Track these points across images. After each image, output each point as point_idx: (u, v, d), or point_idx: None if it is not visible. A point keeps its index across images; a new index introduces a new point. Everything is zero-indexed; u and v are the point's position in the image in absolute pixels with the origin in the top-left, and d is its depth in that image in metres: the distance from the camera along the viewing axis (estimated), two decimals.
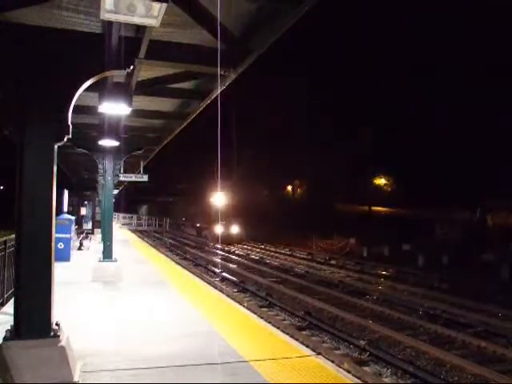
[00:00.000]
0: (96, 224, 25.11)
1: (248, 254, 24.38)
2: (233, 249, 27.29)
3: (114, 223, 14.77)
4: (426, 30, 44.01)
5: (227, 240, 29.93)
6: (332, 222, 30.71)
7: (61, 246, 12.80)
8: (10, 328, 4.15)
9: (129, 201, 60.03)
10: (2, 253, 7.61)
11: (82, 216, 28.24)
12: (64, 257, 12.83)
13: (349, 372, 5.64)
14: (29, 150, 4.19)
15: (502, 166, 31.95)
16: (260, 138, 47.09)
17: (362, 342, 7.95)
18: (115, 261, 13.12)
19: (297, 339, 7.02)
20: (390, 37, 44.10)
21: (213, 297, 8.54)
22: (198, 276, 12.71)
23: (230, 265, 19.45)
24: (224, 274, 16.21)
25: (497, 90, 34.17)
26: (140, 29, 4.70)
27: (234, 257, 22.99)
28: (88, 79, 4.50)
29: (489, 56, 37.30)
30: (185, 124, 10.70)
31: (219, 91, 7.71)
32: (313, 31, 44.18)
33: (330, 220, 32.57)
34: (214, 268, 17.95)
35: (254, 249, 27.45)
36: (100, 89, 6.31)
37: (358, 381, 4.81)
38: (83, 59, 4.51)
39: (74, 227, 15.75)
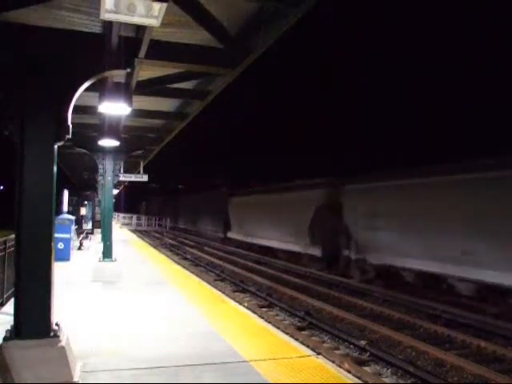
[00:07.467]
0: (96, 224, 25.10)
1: None
2: None
3: (113, 223, 14.80)
4: None
5: None
6: None
7: (61, 245, 12.78)
8: (10, 328, 4.15)
9: (129, 201, 60.02)
10: (2, 253, 7.61)
11: (82, 216, 28.18)
12: (64, 257, 12.80)
13: (349, 372, 5.64)
14: (29, 150, 4.19)
15: None
16: None
17: None
18: (115, 261, 13.14)
19: (297, 339, 7.02)
20: None
21: (213, 296, 8.54)
22: (197, 276, 12.69)
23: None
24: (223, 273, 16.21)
25: None
26: (140, 29, 4.71)
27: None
28: (88, 79, 4.51)
29: None
30: (185, 124, 10.71)
31: (219, 91, 7.73)
32: None
33: None
34: (213, 268, 17.95)
35: None
36: (100, 89, 6.31)
37: (358, 381, 4.81)
38: (83, 59, 4.51)
39: (73, 227, 15.72)
